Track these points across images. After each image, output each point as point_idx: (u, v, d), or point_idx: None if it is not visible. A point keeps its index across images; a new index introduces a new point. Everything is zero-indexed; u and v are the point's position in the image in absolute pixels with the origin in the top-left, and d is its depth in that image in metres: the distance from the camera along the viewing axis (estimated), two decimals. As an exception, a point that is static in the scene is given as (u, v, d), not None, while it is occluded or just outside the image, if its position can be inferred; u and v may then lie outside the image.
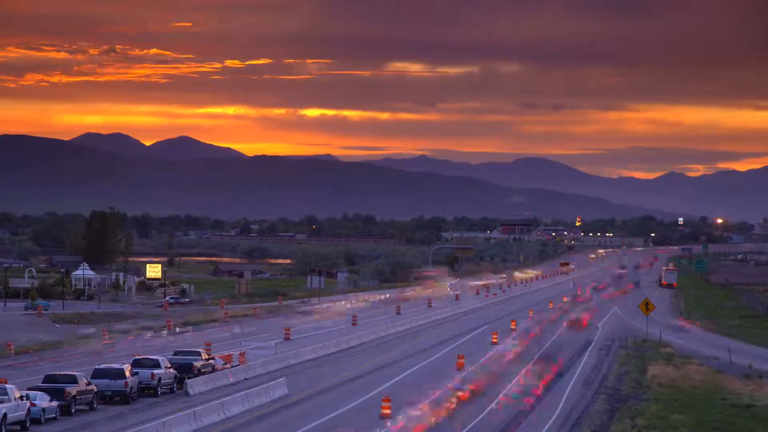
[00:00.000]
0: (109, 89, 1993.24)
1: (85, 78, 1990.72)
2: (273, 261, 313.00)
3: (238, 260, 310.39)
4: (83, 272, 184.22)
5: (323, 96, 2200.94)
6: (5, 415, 56.08)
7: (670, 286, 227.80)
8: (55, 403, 61.22)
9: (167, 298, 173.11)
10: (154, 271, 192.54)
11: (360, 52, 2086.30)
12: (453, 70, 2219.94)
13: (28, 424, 57.94)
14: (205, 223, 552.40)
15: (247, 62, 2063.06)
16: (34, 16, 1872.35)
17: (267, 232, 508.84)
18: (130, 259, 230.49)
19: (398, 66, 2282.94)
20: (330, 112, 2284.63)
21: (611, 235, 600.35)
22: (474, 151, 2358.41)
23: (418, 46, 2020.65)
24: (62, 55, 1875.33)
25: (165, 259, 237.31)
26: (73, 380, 64.21)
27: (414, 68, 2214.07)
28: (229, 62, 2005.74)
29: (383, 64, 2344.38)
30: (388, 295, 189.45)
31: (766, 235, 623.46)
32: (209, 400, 65.05)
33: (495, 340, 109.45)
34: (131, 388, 67.02)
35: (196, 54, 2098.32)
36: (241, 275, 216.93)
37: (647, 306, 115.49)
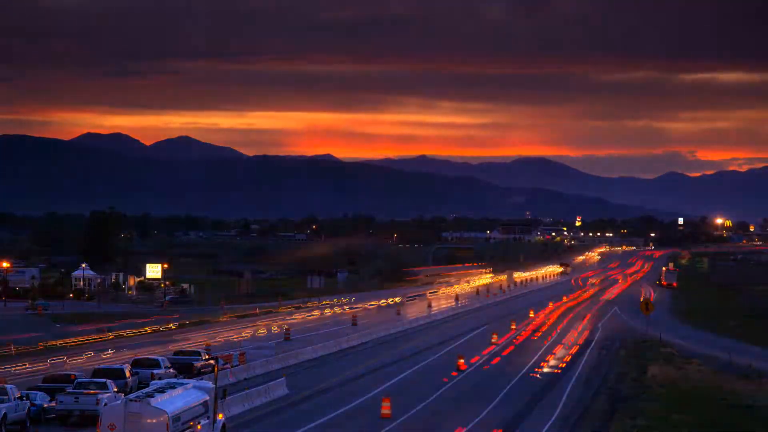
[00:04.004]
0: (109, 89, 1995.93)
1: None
2: (273, 261, 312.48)
3: (237, 260, 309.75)
4: (83, 272, 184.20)
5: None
6: (5, 415, 56.02)
7: (670, 286, 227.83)
8: (54, 404, 61.15)
9: (167, 298, 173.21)
10: (154, 271, 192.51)
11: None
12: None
13: (28, 424, 57.90)
14: (205, 223, 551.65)
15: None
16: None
17: (267, 232, 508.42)
18: (130, 259, 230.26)
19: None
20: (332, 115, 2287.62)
21: (611, 234, 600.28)
22: (473, 151, 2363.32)
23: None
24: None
25: (165, 259, 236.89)
26: (70, 381, 64.16)
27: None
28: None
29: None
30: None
31: (764, 235, 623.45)
32: (209, 400, 64.94)
33: (495, 340, 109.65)
34: (131, 388, 66.98)
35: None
36: (241, 275, 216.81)
37: (647, 306, 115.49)
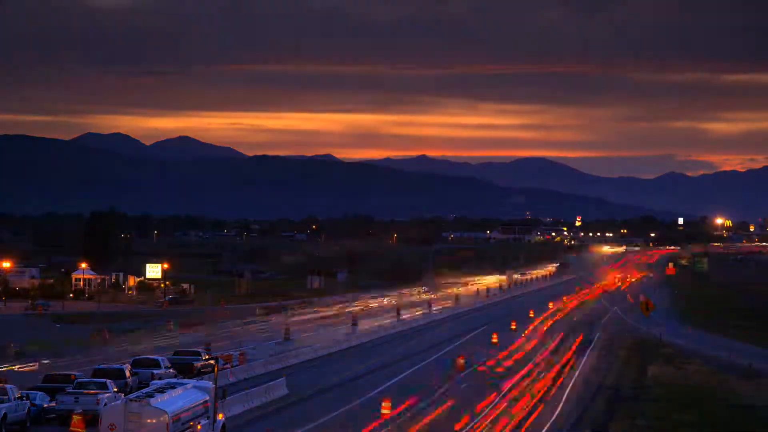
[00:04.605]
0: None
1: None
2: (273, 261, 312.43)
3: (238, 260, 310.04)
4: (83, 272, 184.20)
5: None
6: (5, 415, 55.99)
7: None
8: (54, 404, 61.14)
9: (167, 298, 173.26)
10: (153, 271, 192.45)
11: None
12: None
13: (28, 424, 57.86)
14: (205, 223, 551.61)
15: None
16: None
17: (267, 232, 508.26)
18: (130, 259, 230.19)
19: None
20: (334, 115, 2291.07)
21: (611, 234, 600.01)
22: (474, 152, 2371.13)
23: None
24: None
25: (165, 259, 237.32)
26: (70, 381, 64.13)
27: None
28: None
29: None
30: None
31: (764, 235, 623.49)
32: (209, 400, 64.88)
33: (495, 340, 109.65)
34: (131, 388, 66.95)
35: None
36: (241, 275, 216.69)
37: (647, 306, 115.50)
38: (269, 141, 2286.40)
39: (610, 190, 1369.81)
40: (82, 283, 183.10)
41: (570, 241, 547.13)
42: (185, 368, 76.80)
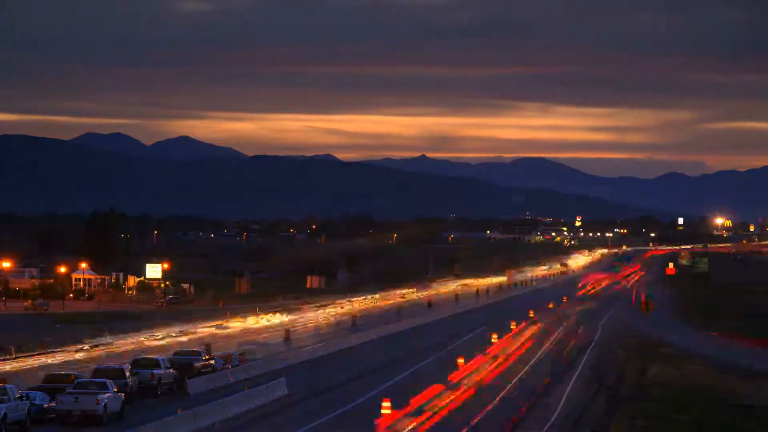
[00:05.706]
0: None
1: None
2: (273, 261, 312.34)
3: (237, 260, 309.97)
4: (83, 272, 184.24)
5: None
6: (5, 415, 55.96)
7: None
8: (54, 404, 61.12)
9: (166, 298, 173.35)
10: (153, 271, 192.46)
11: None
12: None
13: (28, 424, 57.84)
14: (205, 223, 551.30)
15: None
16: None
17: (267, 232, 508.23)
18: (130, 259, 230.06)
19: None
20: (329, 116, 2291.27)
21: (611, 235, 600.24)
22: (474, 153, 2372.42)
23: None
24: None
25: (165, 259, 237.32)
26: (70, 380, 64.12)
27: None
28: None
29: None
30: None
31: (764, 234, 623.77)
32: (209, 401, 64.94)
33: (495, 340, 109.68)
34: (131, 388, 66.95)
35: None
36: (240, 275, 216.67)
37: (647, 306, 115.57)
38: (269, 141, 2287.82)
39: (610, 190, 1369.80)
40: (82, 283, 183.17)
41: (570, 241, 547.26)
42: (185, 368, 76.78)
